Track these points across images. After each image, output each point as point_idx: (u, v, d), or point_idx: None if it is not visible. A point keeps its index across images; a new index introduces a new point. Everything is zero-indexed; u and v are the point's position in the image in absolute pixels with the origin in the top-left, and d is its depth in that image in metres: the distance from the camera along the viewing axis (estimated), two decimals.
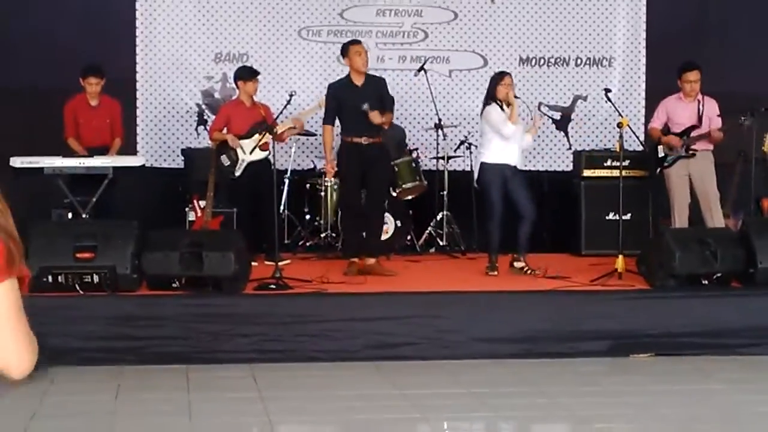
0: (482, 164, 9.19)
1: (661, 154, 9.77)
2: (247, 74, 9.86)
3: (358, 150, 9.03)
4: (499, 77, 9.27)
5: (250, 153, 9.64)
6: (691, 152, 9.59)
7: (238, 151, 9.68)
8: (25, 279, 2.08)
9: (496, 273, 9.12)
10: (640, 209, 10.51)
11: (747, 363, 7.61)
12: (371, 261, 9.15)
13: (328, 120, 9.23)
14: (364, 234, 9.24)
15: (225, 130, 9.76)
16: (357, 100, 9.00)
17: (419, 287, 8.48)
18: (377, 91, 9.12)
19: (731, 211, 9.96)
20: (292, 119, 9.84)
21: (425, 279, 8.99)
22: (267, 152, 9.52)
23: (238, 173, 9.73)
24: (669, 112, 9.77)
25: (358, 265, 9.05)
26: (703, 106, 9.60)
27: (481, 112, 9.28)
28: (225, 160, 9.74)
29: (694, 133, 9.58)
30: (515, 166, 9.14)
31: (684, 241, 8.40)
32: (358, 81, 9.13)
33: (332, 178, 10.34)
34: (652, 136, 9.90)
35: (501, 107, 9.11)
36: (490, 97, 9.16)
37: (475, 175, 9.32)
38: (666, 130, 9.76)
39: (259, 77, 9.91)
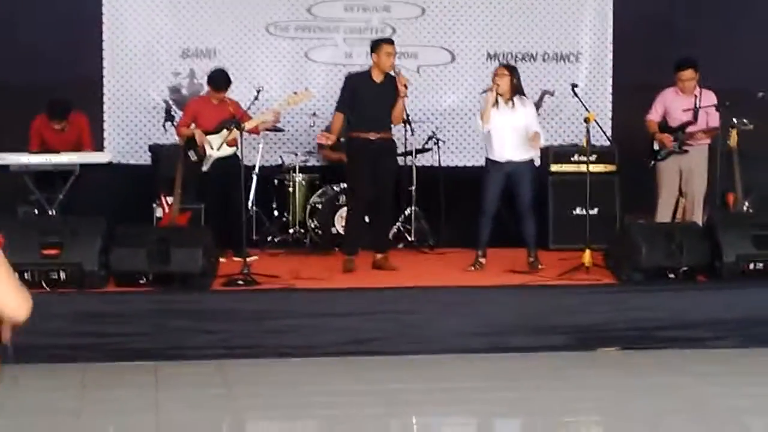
0: (486, 160, 9.15)
1: (656, 147, 9.78)
2: (218, 83, 9.69)
3: (367, 145, 8.98)
4: (495, 69, 9.17)
5: (218, 149, 9.61)
6: (684, 149, 9.61)
7: (206, 146, 9.63)
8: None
9: (473, 269, 9.06)
10: (607, 204, 10.57)
11: (713, 356, 7.67)
12: (380, 256, 9.20)
13: (342, 107, 9.11)
14: (373, 229, 9.27)
15: (192, 126, 9.72)
16: (374, 97, 8.97)
17: (390, 282, 8.48)
18: (395, 92, 9.03)
19: None
20: (271, 110, 9.78)
21: (395, 274, 8.99)
22: (235, 148, 9.48)
23: (205, 168, 9.69)
24: (666, 105, 9.74)
25: (355, 261, 9.05)
26: (700, 100, 9.61)
27: None
28: (192, 155, 9.69)
29: (688, 130, 9.59)
30: (511, 161, 8.96)
31: (650, 236, 8.45)
32: (378, 78, 9.08)
33: (302, 174, 10.36)
34: (648, 128, 9.83)
35: (496, 101, 8.94)
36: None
37: None
38: (664, 122, 9.77)
39: (230, 87, 9.81)
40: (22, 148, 9.26)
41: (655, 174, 9.78)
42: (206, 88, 9.98)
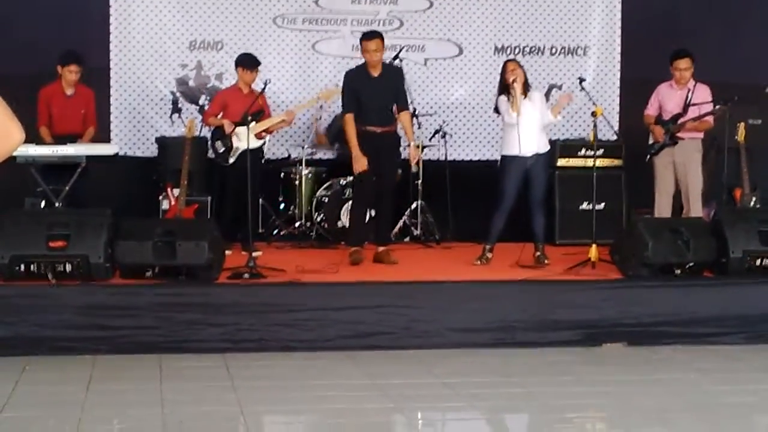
0: (502, 157, 9.15)
1: (650, 141, 9.80)
2: (248, 63, 9.73)
3: (371, 138, 8.99)
4: (504, 65, 9.16)
5: (247, 142, 9.54)
6: (674, 141, 9.62)
7: (233, 138, 9.61)
8: None
9: (479, 263, 9.11)
10: (613, 199, 10.57)
11: (719, 352, 7.66)
12: (382, 249, 9.19)
13: (349, 108, 9.06)
14: (376, 221, 9.26)
15: (220, 116, 9.70)
16: (373, 92, 8.97)
17: (395, 276, 8.47)
18: (393, 83, 9.05)
19: (704, 200, 9.99)
20: (285, 112, 9.83)
21: (401, 268, 8.99)
22: (262, 141, 9.49)
23: (231, 160, 9.67)
24: (660, 99, 9.80)
25: (362, 252, 9.07)
26: (692, 93, 9.61)
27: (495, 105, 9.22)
28: (219, 147, 9.68)
29: (679, 121, 9.60)
30: (534, 154, 9.02)
31: (657, 231, 8.43)
32: (375, 72, 9.06)
33: (308, 167, 10.35)
34: (646, 122, 9.91)
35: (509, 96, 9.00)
36: (502, 87, 9.06)
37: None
38: (659, 116, 9.79)
39: (259, 68, 9.82)
40: (29, 139, 9.24)
41: (651, 169, 9.79)
42: (214, 81, 9.97)
